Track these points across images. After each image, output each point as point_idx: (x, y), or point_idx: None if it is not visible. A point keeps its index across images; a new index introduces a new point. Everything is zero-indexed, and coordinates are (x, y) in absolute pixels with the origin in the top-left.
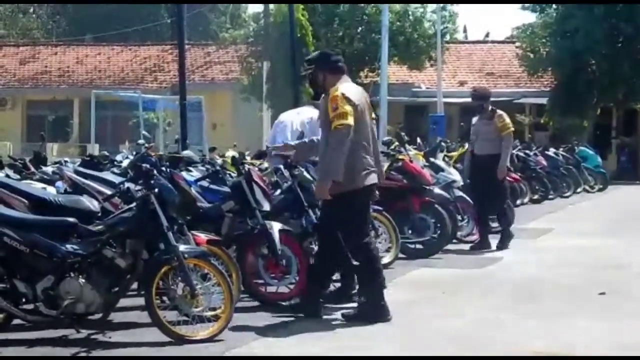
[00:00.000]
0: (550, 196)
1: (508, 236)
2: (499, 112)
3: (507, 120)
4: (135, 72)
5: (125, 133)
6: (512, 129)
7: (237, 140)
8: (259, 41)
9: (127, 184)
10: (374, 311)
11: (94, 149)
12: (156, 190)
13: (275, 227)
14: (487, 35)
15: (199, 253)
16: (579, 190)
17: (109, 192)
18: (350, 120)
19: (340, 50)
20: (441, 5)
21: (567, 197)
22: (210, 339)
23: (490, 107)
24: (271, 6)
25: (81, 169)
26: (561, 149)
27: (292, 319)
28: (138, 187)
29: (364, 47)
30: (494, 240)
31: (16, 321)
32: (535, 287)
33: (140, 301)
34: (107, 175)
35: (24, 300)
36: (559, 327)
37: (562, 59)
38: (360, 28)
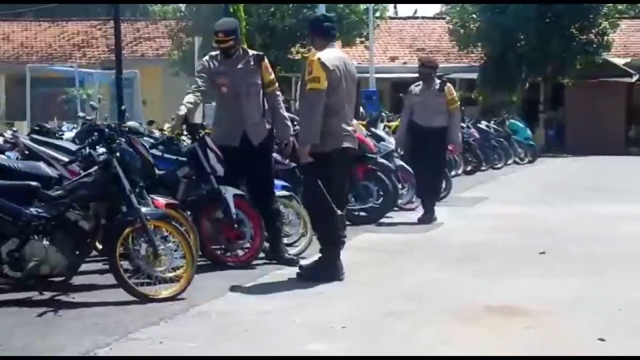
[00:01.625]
0: (483, 168)
1: (432, 211)
2: (449, 84)
3: (455, 93)
4: (64, 48)
5: (54, 109)
6: (459, 103)
7: (168, 115)
8: (190, 16)
9: (88, 149)
10: (329, 270)
11: (27, 125)
12: (118, 154)
13: (230, 191)
14: (415, 12)
15: (160, 215)
16: (509, 162)
17: (65, 159)
18: (322, 85)
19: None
20: None
21: (498, 168)
22: (172, 298)
23: (441, 79)
24: None
25: (36, 136)
26: (492, 122)
27: (249, 279)
28: (99, 152)
29: (296, 22)
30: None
31: None
32: (477, 250)
33: (96, 265)
34: (62, 142)
35: None
36: (505, 285)
37: (492, 34)
38: (291, 4)
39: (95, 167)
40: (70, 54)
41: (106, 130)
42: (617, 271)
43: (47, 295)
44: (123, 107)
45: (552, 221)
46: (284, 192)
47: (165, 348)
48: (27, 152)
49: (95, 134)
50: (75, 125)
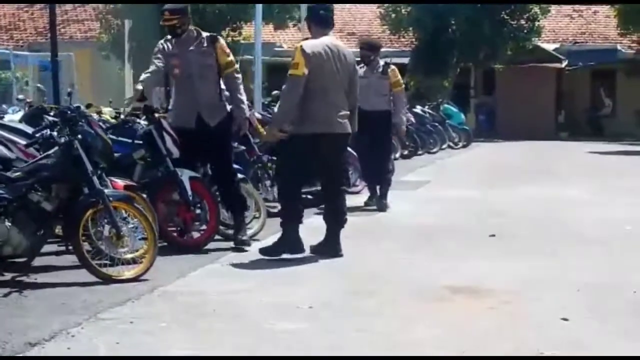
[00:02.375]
0: (419, 152)
1: (385, 196)
2: (393, 66)
3: (399, 76)
4: None
5: None
6: (403, 85)
7: (98, 99)
8: None
9: (48, 131)
10: (290, 244)
11: None
12: (79, 136)
13: (186, 174)
14: None
15: (122, 196)
16: (444, 146)
17: (20, 140)
18: (299, 71)
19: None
20: None
21: (433, 152)
22: (136, 279)
23: (384, 61)
24: None
25: None
26: (427, 107)
27: (208, 260)
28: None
29: (226, 7)
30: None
31: None
32: (429, 232)
33: (51, 247)
34: (17, 124)
35: None
36: (463, 266)
37: (423, 18)
38: None
39: (55, 149)
40: None
41: (68, 112)
42: (568, 252)
43: (8, 276)
44: (69, 90)
45: (496, 204)
46: (239, 175)
47: (135, 328)
48: None
49: (45, 116)
50: (17, 108)
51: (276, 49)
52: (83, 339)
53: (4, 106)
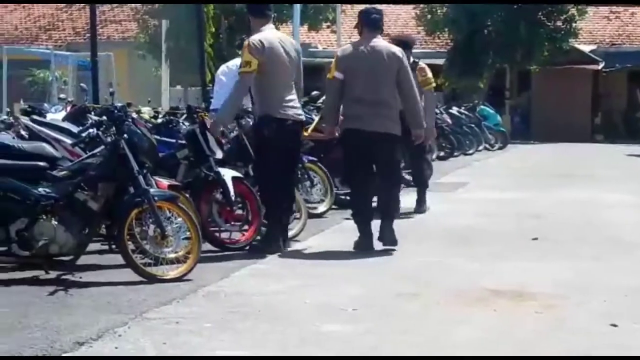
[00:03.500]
0: (455, 154)
1: (424, 200)
2: (422, 64)
3: (430, 74)
4: (30, 31)
5: (18, 92)
6: (434, 84)
7: (134, 98)
8: None
9: (94, 130)
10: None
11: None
12: (126, 135)
13: (228, 174)
14: None
15: (168, 196)
16: (480, 148)
17: (66, 139)
18: (248, 68)
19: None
20: None
21: (470, 154)
22: (179, 279)
23: (412, 59)
24: None
25: (37, 117)
26: (463, 108)
27: (250, 261)
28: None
29: None
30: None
31: None
32: (467, 234)
33: (95, 246)
34: (62, 123)
35: None
36: (505, 269)
37: (459, 20)
38: None
39: (101, 148)
40: (37, 36)
41: (115, 111)
42: (612, 256)
43: (53, 274)
44: (112, 89)
45: (536, 206)
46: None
47: (181, 328)
48: (24, 133)
49: (89, 115)
50: (60, 107)
51: (311, 49)
52: (130, 338)
53: (45, 105)
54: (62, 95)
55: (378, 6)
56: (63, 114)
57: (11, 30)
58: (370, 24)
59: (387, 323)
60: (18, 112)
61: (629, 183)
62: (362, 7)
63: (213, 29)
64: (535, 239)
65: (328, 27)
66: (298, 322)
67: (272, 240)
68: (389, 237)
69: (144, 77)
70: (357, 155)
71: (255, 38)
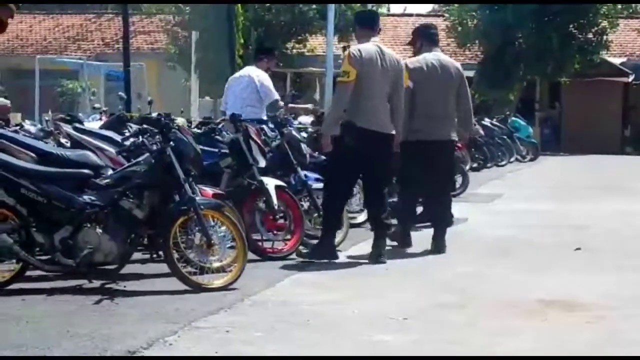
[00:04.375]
0: (488, 165)
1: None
2: None
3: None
4: (58, 41)
5: (47, 102)
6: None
7: (164, 109)
8: (185, 10)
9: (140, 138)
10: (325, 250)
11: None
12: (172, 143)
13: (271, 183)
14: (405, 9)
15: (214, 205)
16: (512, 159)
17: (109, 147)
18: (346, 78)
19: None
20: None
21: (502, 165)
22: (225, 287)
23: None
24: None
25: (78, 125)
26: (495, 120)
27: (293, 270)
28: (152, 141)
29: (291, 18)
30: None
31: None
32: (509, 245)
33: (137, 255)
34: (104, 132)
35: (38, 250)
36: (549, 279)
37: (490, 31)
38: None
39: (145, 156)
40: (65, 47)
41: (162, 119)
42: None
43: (96, 283)
44: (150, 99)
45: (573, 217)
46: (321, 185)
47: (232, 337)
48: (64, 141)
49: (128, 124)
50: (97, 116)
51: (340, 60)
52: (180, 347)
53: (80, 115)
54: (96, 105)
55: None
56: (99, 123)
57: (40, 40)
58: (428, 38)
59: (437, 334)
60: (51, 121)
61: None
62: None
63: (242, 40)
64: (578, 249)
65: None
66: (349, 332)
67: (326, 248)
68: (443, 245)
69: (173, 88)
70: (416, 163)
71: (355, 48)
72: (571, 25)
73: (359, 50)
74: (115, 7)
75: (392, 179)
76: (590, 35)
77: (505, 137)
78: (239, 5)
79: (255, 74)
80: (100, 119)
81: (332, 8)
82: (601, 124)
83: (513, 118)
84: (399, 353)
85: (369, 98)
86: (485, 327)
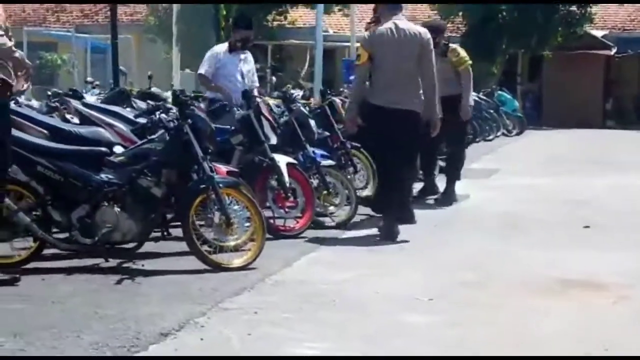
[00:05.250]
0: (477, 139)
1: (453, 189)
2: (452, 45)
3: (463, 53)
4: (37, 12)
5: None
6: (470, 62)
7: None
8: None
9: (158, 114)
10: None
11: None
12: (189, 120)
13: (283, 160)
14: None
15: (232, 183)
16: (498, 133)
17: (119, 124)
18: (358, 61)
19: None
20: None
21: (490, 140)
22: (244, 267)
23: (443, 42)
24: None
25: (88, 101)
26: (481, 93)
27: (309, 249)
28: (169, 118)
29: None
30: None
31: None
32: (514, 221)
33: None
34: (113, 107)
35: (55, 229)
36: (564, 257)
37: (473, 4)
38: None
39: (160, 133)
40: (44, 19)
41: (179, 95)
42: None
43: (113, 262)
44: (150, 73)
45: (573, 192)
46: (329, 162)
47: (261, 318)
48: (70, 117)
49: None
50: (96, 91)
51: (323, 33)
52: (212, 329)
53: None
54: (89, 79)
55: None
56: (95, 98)
57: (19, 12)
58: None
59: (464, 313)
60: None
61: None
62: None
63: (224, 12)
64: (587, 227)
65: (339, 10)
66: (376, 312)
67: (389, 226)
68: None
69: (153, 62)
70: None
71: (374, 31)
72: None
73: (370, 33)
74: None
75: (414, 155)
76: (573, 8)
77: (492, 111)
78: None
79: None
80: (100, 93)
81: None
82: (583, 97)
83: (499, 92)
84: (430, 334)
85: (381, 76)
86: (513, 307)
